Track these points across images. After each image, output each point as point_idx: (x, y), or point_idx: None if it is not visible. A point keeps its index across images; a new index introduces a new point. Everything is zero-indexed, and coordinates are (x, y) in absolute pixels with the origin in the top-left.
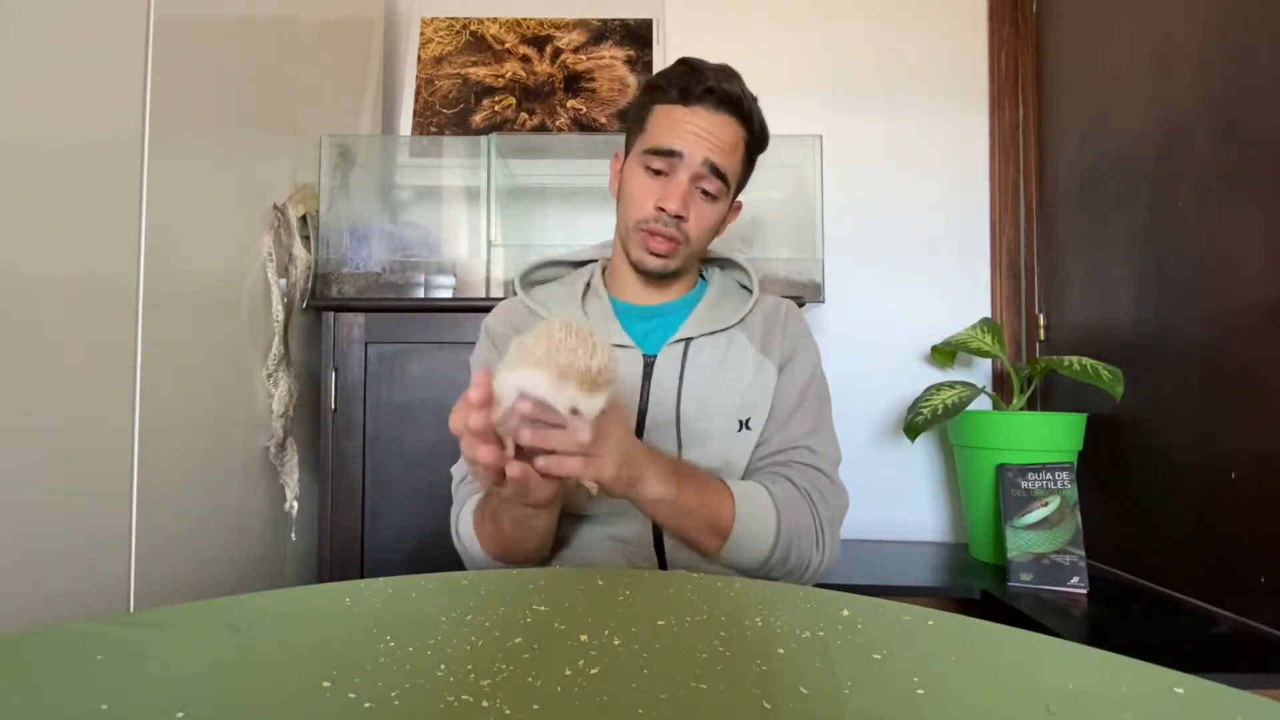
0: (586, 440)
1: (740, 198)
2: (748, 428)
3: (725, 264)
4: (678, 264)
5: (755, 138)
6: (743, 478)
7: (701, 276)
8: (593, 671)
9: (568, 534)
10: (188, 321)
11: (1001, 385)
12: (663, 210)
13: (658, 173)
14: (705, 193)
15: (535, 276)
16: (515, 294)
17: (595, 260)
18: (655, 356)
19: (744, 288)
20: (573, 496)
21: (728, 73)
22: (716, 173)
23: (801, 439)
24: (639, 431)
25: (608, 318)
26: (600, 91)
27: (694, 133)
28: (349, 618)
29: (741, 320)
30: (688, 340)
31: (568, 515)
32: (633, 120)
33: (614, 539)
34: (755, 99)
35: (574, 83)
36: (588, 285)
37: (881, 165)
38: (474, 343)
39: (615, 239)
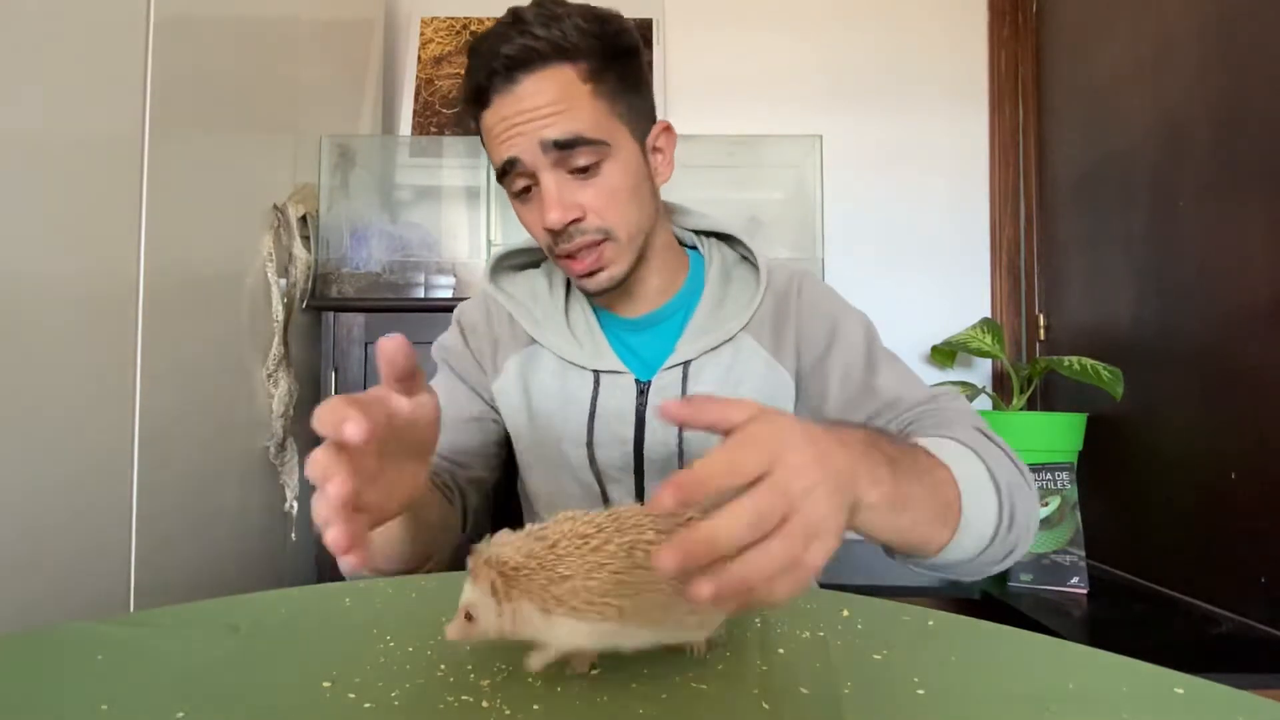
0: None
1: (736, 195)
2: None
3: (727, 238)
4: (624, 267)
5: (595, 59)
6: None
7: (695, 249)
8: (593, 672)
9: None
10: (188, 321)
11: (1001, 385)
12: (551, 231)
13: (525, 193)
14: (581, 170)
15: (507, 264)
16: (489, 289)
17: None
18: (649, 383)
19: (749, 262)
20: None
21: (509, 27)
22: (566, 145)
23: (914, 396)
24: (638, 468)
25: (593, 332)
26: None
27: (509, 130)
28: (349, 618)
29: (747, 323)
30: (686, 363)
31: None
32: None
33: None
34: (562, 18)
35: None
36: (568, 286)
37: (881, 165)
38: None
39: None
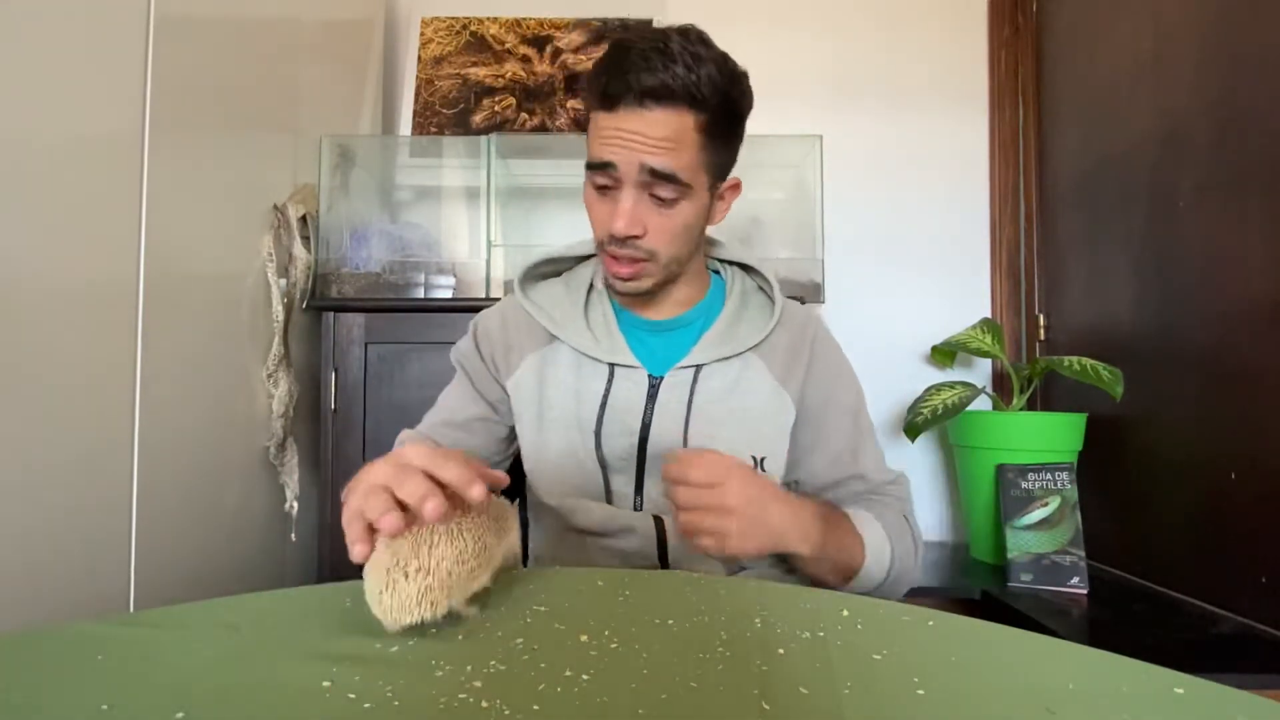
0: None
1: (741, 195)
2: (763, 468)
3: (748, 268)
4: (651, 281)
5: (714, 113)
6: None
7: (717, 273)
8: (592, 672)
9: (570, 544)
10: (188, 321)
11: (1001, 385)
12: (613, 235)
13: (604, 188)
14: (660, 199)
15: (537, 272)
16: (516, 294)
17: (596, 255)
18: (661, 379)
19: (765, 293)
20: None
21: (656, 52)
22: (660, 176)
23: (882, 477)
24: (640, 459)
25: (611, 330)
26: None
27: (621, 140)
28: (349, 618)
29: (759, 344)
30: (698, 366)
31: (570, 529)
32: (586, 130)
33: (617, 550)
34: (704, 63)
35: (574, 83)
36: (590, 286)
37: (881, 165)
38: None
39: None
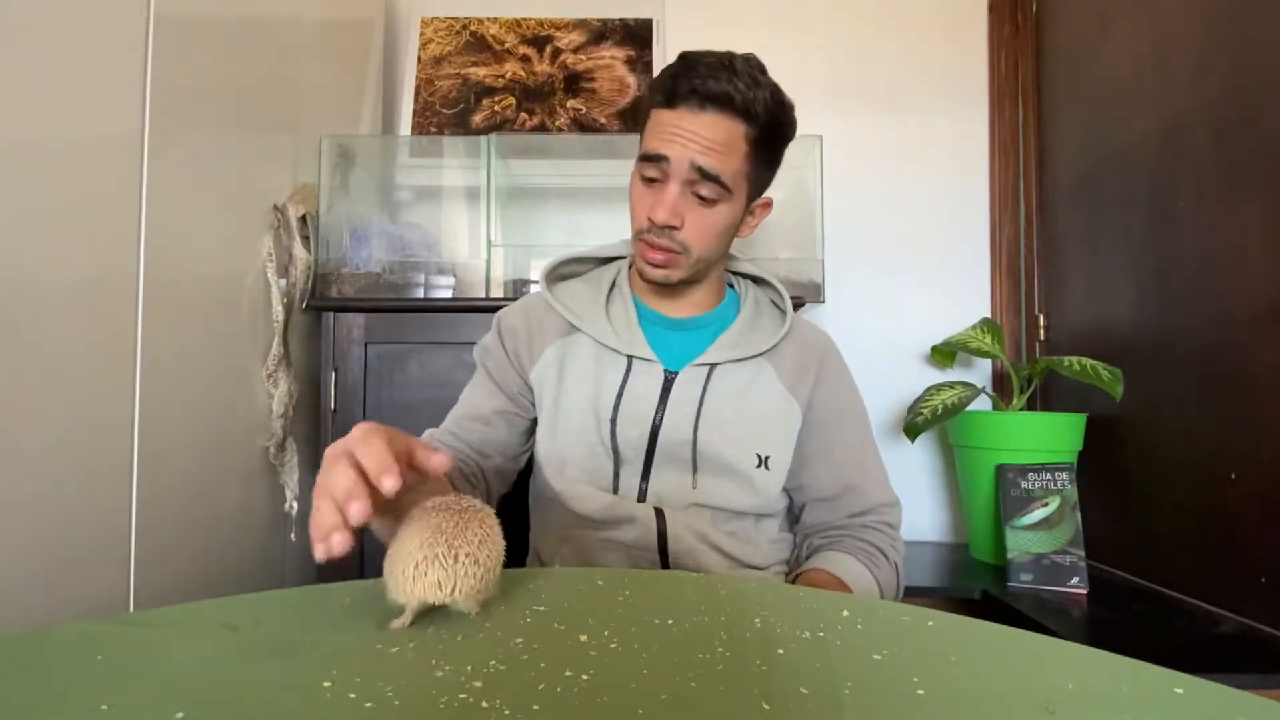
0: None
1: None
2: (766, 466)
3: (760, 281)
4: (680, 275)
5: (763, 130)
6: (829, 533)
7: (732, 287)
8: (592, 672)
9: (570, 536)
10: (188, 321)
11: (1001, 385)
12: (651, 220)
13: (651, 180)
14: (701, 198)
15: (560, 272)
16: (540, 289)
17: (623, 257)
18: (676, 374)
19: (777, 307)
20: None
21: (722, 66)
22: (707, 176)
23: (882, 495)
24: (650, 449)
25: (631, 324)
26: (600, 92)
27: (678, 135)
28: (349, 618)
29: (770, 349)
30: (712, 365)
31: (573, 522)
32: (640, 127)
33: (616, 542)
34: (761, 87)
35: (574, 83)
36: (613, 284)
37: (881, 165)
38: (474, 343)
39: None
